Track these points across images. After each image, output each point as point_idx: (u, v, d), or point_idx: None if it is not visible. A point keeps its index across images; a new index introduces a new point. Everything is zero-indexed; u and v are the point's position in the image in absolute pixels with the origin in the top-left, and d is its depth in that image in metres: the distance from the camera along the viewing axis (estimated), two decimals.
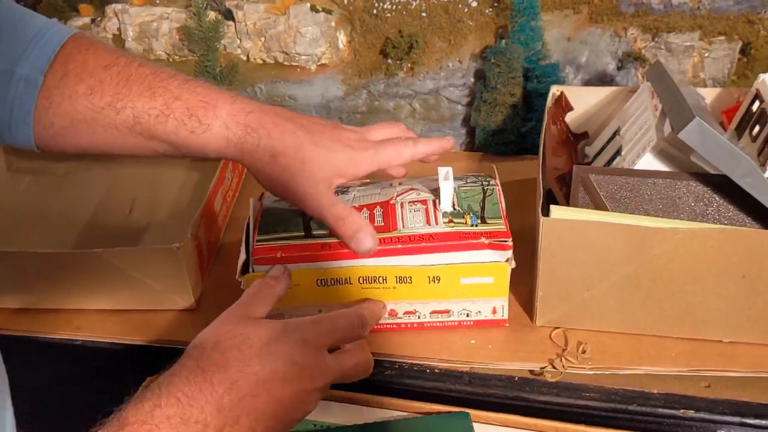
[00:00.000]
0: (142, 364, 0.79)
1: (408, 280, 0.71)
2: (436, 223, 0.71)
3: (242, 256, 0.71)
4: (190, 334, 0.73)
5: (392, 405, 0.72)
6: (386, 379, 0.74)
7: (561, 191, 0.80)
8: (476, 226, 0.71)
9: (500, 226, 0.71)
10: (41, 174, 1.06)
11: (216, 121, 0.64)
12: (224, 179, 0.89)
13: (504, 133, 1.01)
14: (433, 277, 0.71)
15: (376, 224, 0.71)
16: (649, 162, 0.73)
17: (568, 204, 0.76)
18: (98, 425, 0.51)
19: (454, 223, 0.71)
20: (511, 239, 0.70)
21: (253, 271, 0.70)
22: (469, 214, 0.72)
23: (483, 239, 0.69)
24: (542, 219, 0.68)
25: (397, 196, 0.73)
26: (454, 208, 0.72)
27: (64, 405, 0.82)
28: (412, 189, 0.74)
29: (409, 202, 0.73)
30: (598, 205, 0.72)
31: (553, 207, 0.69)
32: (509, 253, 0.70)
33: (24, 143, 0.64)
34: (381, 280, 0.71)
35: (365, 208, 0.73)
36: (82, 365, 0.82)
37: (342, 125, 0.72)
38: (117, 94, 0.62)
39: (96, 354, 0.80)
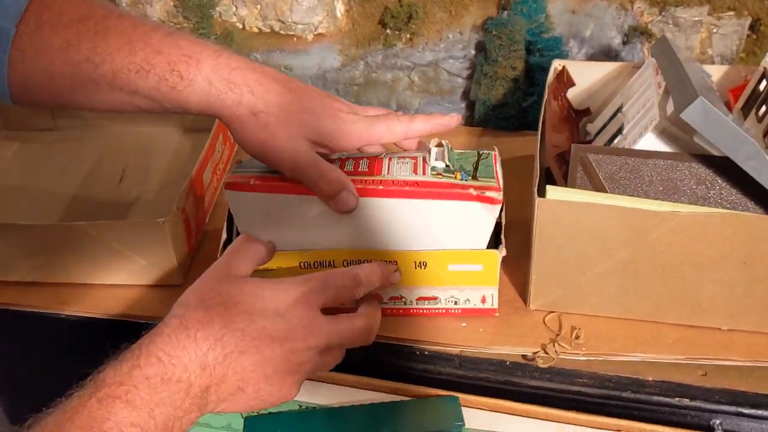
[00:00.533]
0: (128, 339, 0.77)
1: (392, 263, 0.69)
2: (424, 173, 0.67)
3: (224, 236, 0.69)
4: None
5: (381, 387, 0.70)
6: (374, 359, 0.72)
7: (560, 170, 0.77)
8: (466, 181, 0.66)
9: (492, 182, 0.66)
10: (29, 142, 1.04)
11: (198, 76, 0.61)
12: (214, 151, 0.87)
13: (505, 108, 0.98)
14: (420, 263, 0.68)
15: (360, 169, 0.67)
16: (650, 142, 0.71)
17: (566, 184, 0.73)
18: (75, 388, 0.50)
19: (442, 176, 0.66)
20: (501, 194, 0.65)
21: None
22: (460, 172, 0.67)
23: (471, 191, 0.65)
24: (538, 200, 0.66)
25: (385, 155, 0.70)
26: (446, 165, 0.68)
27: (46, 376, 0.81)
28: (403, 155, 0.71)
29: (399, 157, 0.69)
30: (597, 186, 0.69)
31: (549, 187, 0.66)
32: (497, 210, 0.65)
33: None
34: (366, 263, 0.69)
35: (350, 159, 0.68)
36: (66, 339, 0.81)
37: (335, 97, 0.69)
38: (95, 48, 0.59)
39: (82, 328, 0.79)
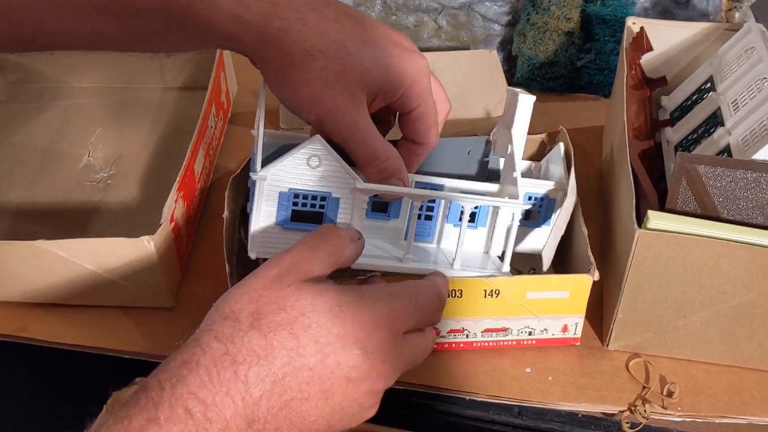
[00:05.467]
0: (103, 373, 0.63)
1: (458, 294, 0.55)
2: None
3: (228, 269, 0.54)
4: (164, 339, 0.61)
5: None
6: (412, 409, 0.59)
7: (644, 169, 0.62)
8: None
9: None
10: None
11: None
12: (206, 129, 0.70)
13: (554, 67, 0.82)
14: (491, 291, 0.54)
15: None
16: None
17: (656, 190, 0.58)
18: None
19: None
20: None
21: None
22: None
23: None
24: (638, 231, 0.51)
25: None
26: None
27: (9, 416, 0.67)
28: None
29: None
30: (706, 207, 0.54)
31: (651, 214, 0.52)
32: None
33: None
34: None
35: None
36: (29, 371, 0.66)
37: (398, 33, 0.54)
38: None
39: (47, 358, 0.64)
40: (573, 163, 0.60)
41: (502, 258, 0.56)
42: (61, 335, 0.62)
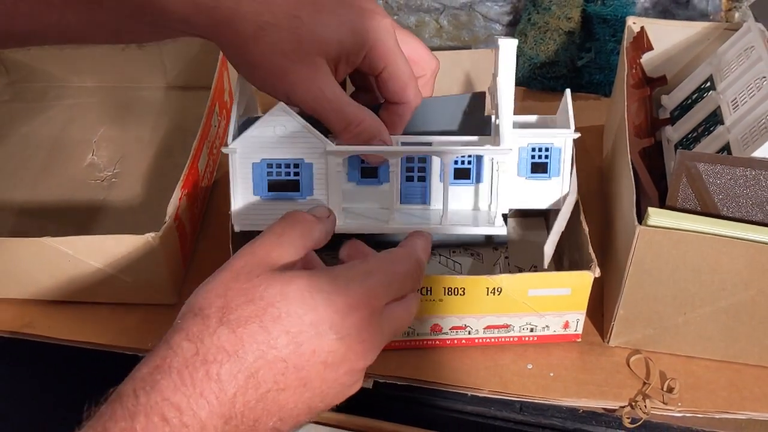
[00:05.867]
0: (108, 369, 0.63)
1: (460, 291, 0.55)
2: None
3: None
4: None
5: None
6: (416, 406, 0.60)
7: (644, 166, 0.62)
8: None
9: None
10: None
11: None
12: (210, 128, 0.70)
13: (555, 66, 0.82)
14: (494, 289, 0.55)
15: None
16: None
17: (657, 188, 0.59)
18: None
19: None
20: None
21: None
22: None
23: None
24: (639, 228, 0.51)
25: None
26: None
27: (16, 413, 0.67)
28: None
29: None
30: (705, 204, 0.55)
31: (651, 211, 0.52)
32: None
33: None
34: (425, 291, 0.55)
35: None
36: (35, 367, 0.66)
37: None
38: None
39: (53, 355, 0.64)
40: (574, 161, 0.60)
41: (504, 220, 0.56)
42: (67, 332, 0.63)
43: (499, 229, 0.55)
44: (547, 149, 0.57)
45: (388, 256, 0.45)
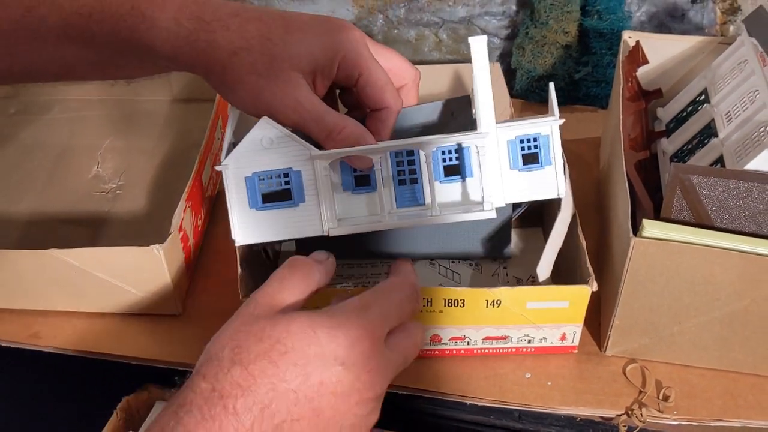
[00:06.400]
0: (114, 378, 0.65)
1: (460, 303, 0.56)
2: None
3: (240, 272, 0.55)
4: (173, 345, 0.63)
5: None
6: (414, 409, 0.60)
7: (639, 179, 0.64)
8: None
9: None
10: None
11: (163, 14, 0.50)
12: (213, 141, 0.72)
13: (552, 79, 0.83)
14: (493, 301, 0.56)
15: None
16: (767, 161, 0.57)
17: (652, 200, 0.60)
18: None
19: None
20: None
21: None
22: None
23: None
24: (633, 239, 0.53)
25: None
26: None
27: (22, 422, 0.68)
28: None
29: None
30: (699, 215, 0.56)
31: (646, 222, 0.53)
32: None
33: None
34: (426, 302, 0.56)
35: None
36: (43, 377, 0.67)
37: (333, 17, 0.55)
38: None
39: (60, 365, 0.65)
40: (568, 176, 0.60)
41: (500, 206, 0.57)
42: (73, 342, 0.64)
43: (489, 213, 0.55)
44: (535, 139, 0.57)
45: (381, 287, 0.48)
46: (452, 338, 0.59)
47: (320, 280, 0.48)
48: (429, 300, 0.56)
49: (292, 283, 0.46)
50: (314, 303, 0.49)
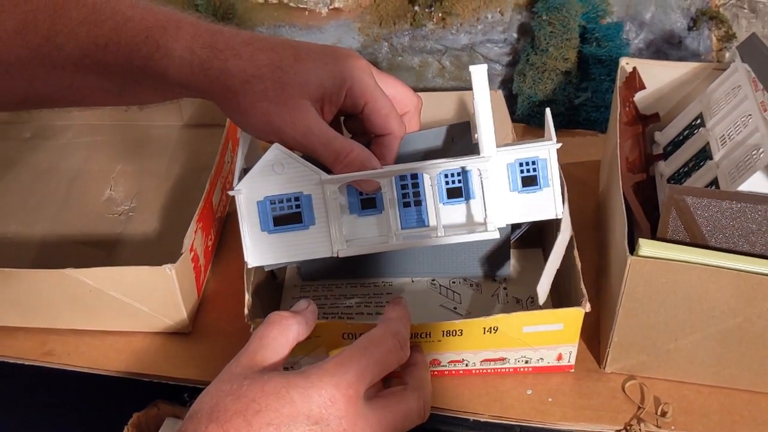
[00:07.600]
0: (125, 395, 0.66)
1: (458, 332, 0.58)
2: None
3: (247, 298, 0.57)
4: (182, 362, 0.65)
5: None
6: (418, 430, 0.62)
7: (637, 200, 0.66)
8: None
9: None
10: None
11: (177, 44, 0.51)
12: (223, 164, 0.74)
13: (553, 104, 0.86)
14: (490, 328, 0.58)
15: None
16: (758, 182, 0.59)
17: (649, 220, 0.62)
18: None
19: None
20: None
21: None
22: None
23: None
24: (630, 258, 0.54)
25: None
26: None
27: None
28: None
29: None
30: (694, 235, 0.58)
31: (643, 242, 0.55)
32: None
33: None
34: (424, 335, 0.58)
35: None
36: (55, 394, 0.69)
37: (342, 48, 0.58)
38: (54, 26, 0.51)
39: (73, 382, 0.67)
40: (567, 200, 0.61)
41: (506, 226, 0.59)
42: (86, 360, 0.66)
43: (492, 234, 0.57)
44: (534, 162, 0.59)
45: (360, 344, 0.49)
46: (451, 361, 0.61)
47: (299, 331, 0.51)
48: (428, 333, 0.58)
49: (269, 341, 0.49)
50: (303, 350, 0.53)
